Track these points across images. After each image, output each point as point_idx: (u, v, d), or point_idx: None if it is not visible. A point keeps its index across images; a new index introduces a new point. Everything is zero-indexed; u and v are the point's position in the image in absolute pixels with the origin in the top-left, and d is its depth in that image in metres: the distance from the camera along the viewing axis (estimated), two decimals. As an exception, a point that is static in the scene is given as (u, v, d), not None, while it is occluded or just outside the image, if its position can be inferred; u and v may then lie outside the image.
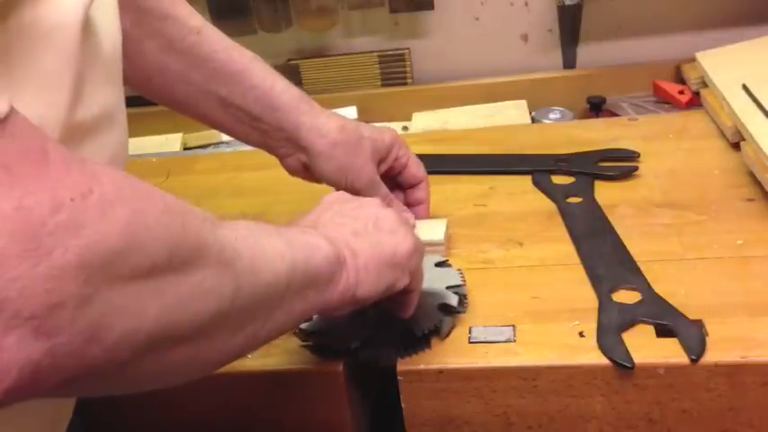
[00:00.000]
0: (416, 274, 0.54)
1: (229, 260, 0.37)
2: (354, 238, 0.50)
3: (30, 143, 0.28)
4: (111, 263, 0.29)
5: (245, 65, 0.63)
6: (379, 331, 0.57)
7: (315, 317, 0.59)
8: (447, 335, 0.58)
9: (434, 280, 0.62)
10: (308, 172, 0.67)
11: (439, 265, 0.65)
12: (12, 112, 0.27)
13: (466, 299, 0.61)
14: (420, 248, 0.54)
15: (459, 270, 0.64)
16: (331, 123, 0.65)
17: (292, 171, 0.68)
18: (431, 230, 0.68)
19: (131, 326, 0.30)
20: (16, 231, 0.26)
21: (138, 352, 0.31)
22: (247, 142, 0.68)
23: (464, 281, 0.63)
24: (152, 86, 0.63)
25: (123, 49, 0.59)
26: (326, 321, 0.59)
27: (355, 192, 0.66)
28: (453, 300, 0.60)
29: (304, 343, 0.59)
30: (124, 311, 0.30)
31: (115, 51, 0.43)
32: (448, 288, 0.61)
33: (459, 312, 0.60)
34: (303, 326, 0.59)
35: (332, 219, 0.52)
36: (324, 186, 0.70)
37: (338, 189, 0.67)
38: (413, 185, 0.70)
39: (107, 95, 0.42)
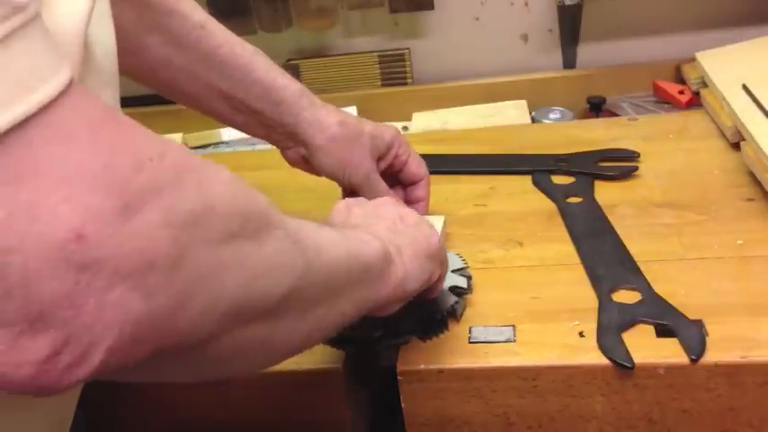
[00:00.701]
0: (444, 263, 0.55)
1: (297, 237, 0.37)
2: (393, 234, 0.51)
3: (100, 105, 0.28)
4: (192, 224, 0.29)
5: (248, 60, 0.64)
6: (400, 318, 0.58)
7: None
8: (461, 316, 0.59)
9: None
10: (306, 164, 0.68)
11: None
12: (73, 78, 0.27)
13: (471, 279, 0.63)
14: (442, 245, 0.55)
15: (458, 254, 0.65)
16: (331, 118, 0.66)
17: (292, 163, 0.69)
18: None
19: (215, 294, 0.30)
20: (107, 188, 0.26)
21: (220, 324, 0.31)
22: (250, 134, 0.68)
23: (466, 263, 0.64)
24: (158, 80, 0.64)
25: (128, 44, 0.59)
26: None
27: (352, 186, 0.66)
28: (462, 282, 0.61)
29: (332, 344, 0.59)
30: (208, 277, 0.30)
31: (109, 56, 0.43)
32: (453, 272, 0.63)
33: (468, 293, 0.61)
34: None
35: (363, 219, 0.53)
36: (323, 181, 0.70)
37: (338, 183, 0.68)
38: (413, 183, 0.71)
39: (103, 100, 0.42)
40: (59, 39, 0.36)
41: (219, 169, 0.33)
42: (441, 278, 0.55)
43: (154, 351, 0.28)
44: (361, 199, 0.58)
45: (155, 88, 0.65)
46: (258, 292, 0.33)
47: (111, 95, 0.43)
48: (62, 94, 0.26)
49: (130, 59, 0.61)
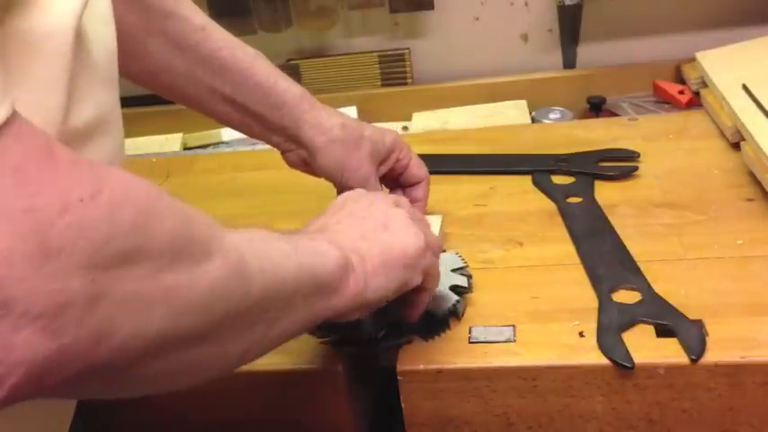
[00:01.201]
0: (430, 273, 0.53)
1: (238, 262, 0.37)
2: (362, 241, 0.50)
3: (37, 144, 0.28)
4: (118, 263, 0.29)
5: (249, 63, 0.64)
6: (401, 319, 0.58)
7: None
8: (462, 315, 0.59)
9: (440, 264, 0.63)
10: (307, 166, 0.68)
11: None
12: (15, 114, 0.27)
13: (471, 279, 0.63)
14: (434, 245, 0.54)
15: (457, 253, 0.66)
16: (332, 121, 0.66)
17: (292, 165, 0.69)
18: None
19: (139, 326, 0.30)
20: (24, 233, 0.26)
21: (147, 352, 0.31)
22: (251, 136, 0.68)
23: (465, 262, 0.64)
24: (159, 83, 0.64)
25: (129, 47, 0.59)
26: None
27: (349, 188, 0.66)
28: (463, 281, 0.62)
29: (323, 340, 0.59)
30: (132, 311, 0.30)
31: (108, 56, 0.43)
32: (453, 271, 0.63)
33: (468, 292, 0.61)
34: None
35: (340, 221, 0.52)
36: (323, 182, 0.70)
37: (335, 185, 0.68)
38: (413, 185, 0.71)
39: (101, 101, 0.42)
40: (50, 38, 0.36)
41: (163, 200, 0.33)
42: (423, 290, 0.54)
43: (67, 381, 0.29)
44: (360, 192, 0.57)
45: (157, 91, 0.66)
46: (190, 320, 0.33)
47: (109, 97, 0.43)
48: None
49: (132, 63, 0.61)
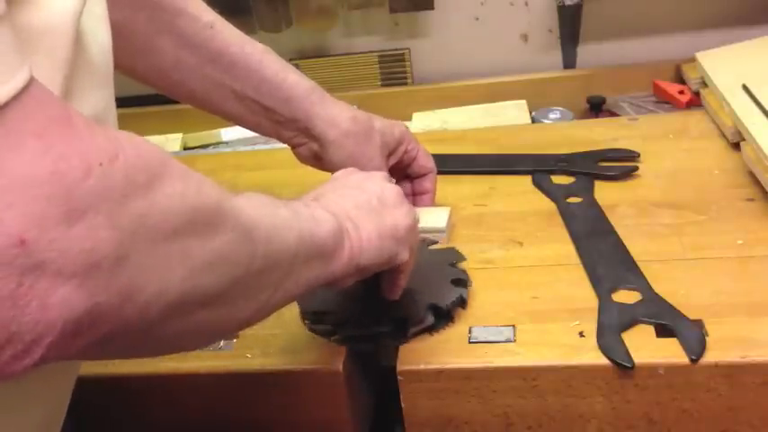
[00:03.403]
0: (412, 253, 0.55)
1: (246, 228, 0.38)
2: (357, 210, 0.51)
3: (56, 110, 0.29)
4: (138, 225, 0.30)
5: (259, 57, 0.64)
6: (408, 313, 0.58)
7: (339, 310, 0.60)
8: (465, 307, 0.60)
9: (439, 260, 0.64)
10: (318, 161, 0.68)
11: (430, 246, 0.68)
12: (33, 79, 0.28)
13: (466, 273, 0.64)
14: (417, 229, 0.55)
15: (453, 247, 0.67)
16: (344, 114, 0.66)
17: (303, 159, 0.69)
18: (434, 218, 0.70)
19: (161, 287, 0.31)
20: (53, 195, 0.27)
21: (166, 312, 0.32)
22: (260, 132, 0.69)
23: (463, 256, 0.65)
24: (167, 82, 0.64)
25: (138, 46, 0.59)
26: (351, 311, 0.60)
27: None
28: (463, 274, 0.62)
29: (329, 338, 0.59)
30: (154, 272, 0.31)
31: (104, 55, 0.43)
32: (451, 265, 0.64)
33: (469, 285, 0.62)
34: (328, 321, 0.60)
35: (335, 190, 0.53)
36: (322, 180, 0.70)
37: None
38: (421, 176, 0.72)
39: (96, 100, 0.42)
40: (47, 35, 0.36)
41: (174, 166, 0.34)
42: (402, 270, 0.55)
43: (98, 340, 0.30)
44: (353, 169, 0.58)
45: (165, 91, 0.66)
46: (204, 283, 0.34)
47: (104, 96, 0.43)
48: (14, 98, 0.27)
49: (142, 62, 0.61)
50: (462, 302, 0.60)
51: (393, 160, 0.69)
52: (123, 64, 0.47)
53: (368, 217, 0.51)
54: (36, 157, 0.27)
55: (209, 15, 0.63)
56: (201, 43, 0.62)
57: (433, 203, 0.72)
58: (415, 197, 0.72)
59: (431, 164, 0.72)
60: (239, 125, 0.69)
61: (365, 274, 0.51)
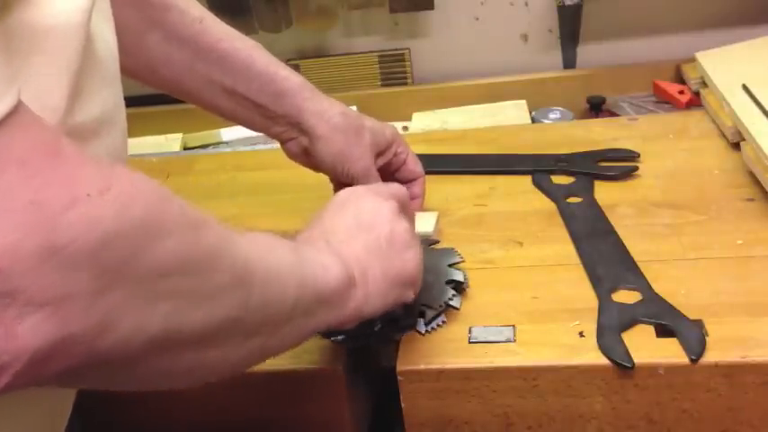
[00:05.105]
0: (417, 289, 0.55)
1: (243, 272, 0.37)
2: (366, 254, 0.50)
3: (43, 137, 0.28)
4: (124, 260, 0.29)
5: (248, 52, 0.64)
6: (399, 311, 0.58)
7: None
8: (458, 308, 0.60)
9: (437, 259, 0.64)
10: (307, 156, 0.68)
11: (431, 245, 0.68)
12: (21, 104, 0.27)
13: (466, 275, 0.64)
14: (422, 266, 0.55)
15: (452, 248, 0.66)
16: (334, 109, 0.66)
17: (292, 155, 0.69)
18: (422, 222, 0.69)
19: (142, 322, 0.31)
20: (30, 224, 0.26)
21: (148, 349, 0.32)
22: (250, 128, 0.68)
23: (462, 257, 0.65)
24: (157, 78, 0.64)
25: (127, 42, 0.59)
26: None
27: (350, 179, 0.67)
28: (460, 275, 0.62)
29: (333, 338, 0.59)
30: (135, 308, 0.30)
31: (111, 53, 0.43)
32: (449, 266, 0.63)
33: (466, 287, 0.62)
34: None
35: (346, 228, 0.52)
36: (323, 181, 0.70)
37: (334, 175, 0.68)
38: (410, 181, 0.71)
39: (105, 98, 0.42)
40: (53, 34, 0.35)
41: (174, 203, 0.33)
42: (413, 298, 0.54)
43: (72, 370, 0.29)
44: (361, 191, 0.56)
45: (156, 86, 0.65)
46: (190, 322, 0.34)
47: (112, 94, 0.43)
48: None
49: (131, 58, 0.61)
50: (452, 307, 0.60)
51: (382, 161, 0.69)
52: None
53: (376, 261, 0.50)
54: (17, 184, 0.26)
55: (198, 10, 0.63)
56: (191, 38, 0.62)
57: (421, 208, 0.72)
58: None
59: (420, 168, 0.71)
60: (229, 120, 0.69)
61: (367, 319, 0.50)
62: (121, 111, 0.45)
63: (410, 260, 0.52)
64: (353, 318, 0.48)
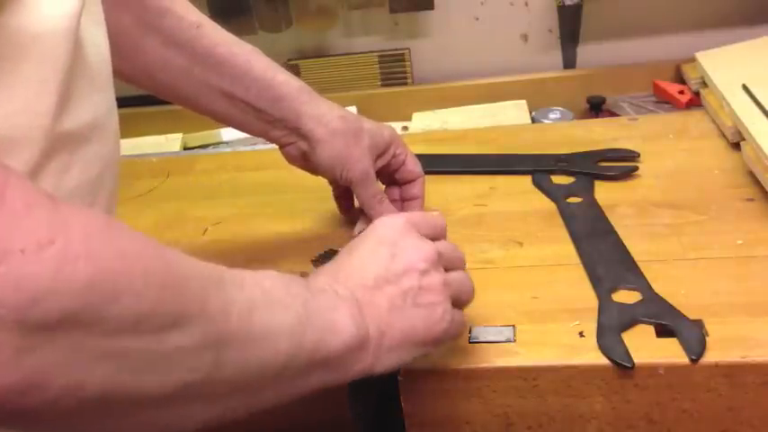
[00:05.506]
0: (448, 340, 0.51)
1: (220, 332, 0.35)
2: (388, 312, 0.47)
3: None
4: (59, 320, 0.27)
5: (246, 57, 0.64)
6: None
7: None
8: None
9: None
10: (306, 161, 0.68)
11: None
12: None
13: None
14: (458, 322, 0.50)
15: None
16: (332, 113, 0.66)
17: (291, 159, 0.69)
18: None
19: (77, 383, 0.29)
20: None
21: (84, 409, 0.30)
22: (248, 132, 0.68)
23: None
24: (155, 83, 0.64)
25: (124, 46, 0.59)
26: None
27: (349, 183, 0.67)
28: None
29: None
30: (69, 368, 0.28)
31: (102, 59, 0.43)
32: None
33: None
34: None
35: (375, 278, 0.48)
36: (323, 183, 0.70)
37: (333, 179, 0.68)
38: (409, 182, 0.71)
39: (96, 104, 0.41)
40: (41, 40, 0.35)
41: (143, 259, 0.31)
42: None
43: (4, 421, 0.28)
44: (397, 232, 0.50)
45: (153, 91, 0.65)
46: (137, 386, 0.31)
47: (104, 100, 0.43)
48: None
49: (128, 63, 0.61)
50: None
51: (381, 163, 0.69)
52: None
53: (398, 320, 0.47)
54: None
55: (195, 15, 0.63)
56: (188, 43, 0.62)
57: (422, 209, 0.72)
58: (404, 203, 0.72)
59: (419, 169, 0.71)
60: (228, 125, 0.69)
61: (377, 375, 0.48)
62: (114, 116, 0.45)
63: (437, 323, 0.48)
64: (359, 376, 0.46)
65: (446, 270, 0.50)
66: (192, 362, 0.33)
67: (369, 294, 0.47)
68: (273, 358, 0.39)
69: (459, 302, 0.51)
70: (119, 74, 0.62)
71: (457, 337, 0.52)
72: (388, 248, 0.49)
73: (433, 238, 0.51)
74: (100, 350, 0.29)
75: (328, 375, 0.44)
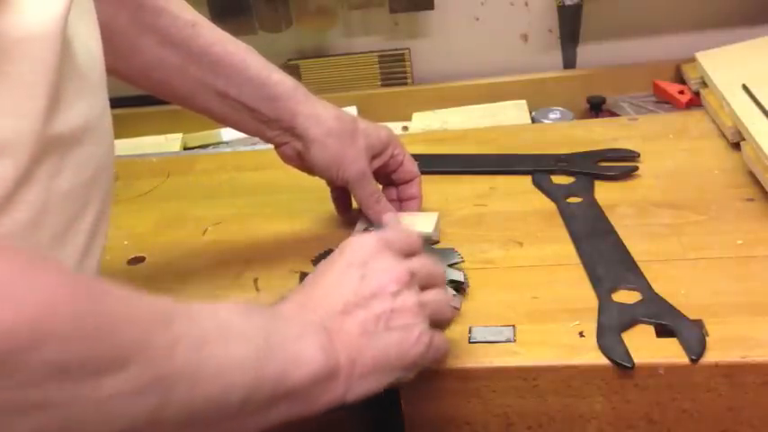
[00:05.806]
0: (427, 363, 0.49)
1: (160, 374, 0.33)
2: (359, 337, 0.45)
3: None
4: None
5: (242, 56, 0.64)
6: None
7: None
8: (458, 308, 0.60)
9: (436, 259, 0.63)
10: (301, 161, 0.68)
11: (433, 245, 0.68)
12: None
13: (465, 274, 0.63)
14: (437, 344, 0.48)
15: (452, 248, 0.66)
16: (327, 113, 0.65)
17: (287, 159, 0.69)
18: (422, 223, 0.70)
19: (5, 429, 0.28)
20: None
21: None
22: (244, 131, 0.68)
23: (462, 257, 0.65)
24: (151, 81, 0.64)
25: (120, 46, 0.59)
26: None
27: (345, 183, 0.66)
28: (460, 276, 0.62)
29: None
30: None
31: (94, 61, 0.43)
32: (450, 266, 0.63)
33: (466, 287, 0.62)
34: None
35: (345, 303, 0.46)
36: (322, 183, 0.70)
37: (329, 179, 0.68)
38: (406, 182, 0.71)
39: (87, 106, 0.41)
40: (27, 43, 0.35)
41: (77, 298, 0.30)
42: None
43: None
44: (366, 251, 0.49)
45: (149, 90, 0.65)
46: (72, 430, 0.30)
47: (96, 103, 0.42)
48: None
49: (122, 62, 0.61)
50: (454, 305, 0.59)
51: (378, 163, 0.69)
52: (105, 64, 0.46)
53: (369, 345, 0.45)
54: None
55: (191, 14, 0.63)
56: (183, 42, 0.62)
57: (419, 208, 0.72)
58: (401, 203, 0.72)
59: (416, 169, 0.71)
60: (223, 124, 0.69)
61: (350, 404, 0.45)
62: (107, 118, 0.44)
63: (413, 345, 0.46)
64: (330, 406, 0.44)
65: (423, 288, 0.49)
66: (132, 407, 0.32)
67: (339, 321, 0.45)
68: (228, 393, 0.37)
69: (438, 323, 0.49)
70: (115, 73, 0.62)
71: (440, 361, 0.50)
72: (357, 270, 0.47)
73: (409, 255, 0.50)
74: (24, 401, 0.28)
75: (294, 407, 0.42)
